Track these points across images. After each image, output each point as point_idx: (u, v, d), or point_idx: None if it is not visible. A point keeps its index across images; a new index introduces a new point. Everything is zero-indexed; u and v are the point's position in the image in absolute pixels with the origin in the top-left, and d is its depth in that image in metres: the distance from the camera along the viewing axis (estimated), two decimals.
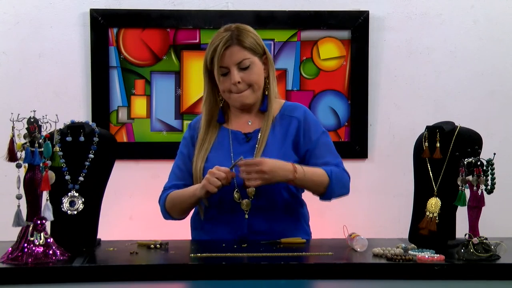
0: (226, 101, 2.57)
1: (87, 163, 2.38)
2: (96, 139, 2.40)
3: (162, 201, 2.56)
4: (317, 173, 2.45)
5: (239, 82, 2.47)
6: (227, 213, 2.49)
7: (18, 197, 2.10)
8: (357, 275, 2.08)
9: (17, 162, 2.10)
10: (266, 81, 2.55)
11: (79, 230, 2.34)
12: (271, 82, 2.56)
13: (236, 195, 2.48)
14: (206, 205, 2.53)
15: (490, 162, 2.19)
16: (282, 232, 2.44)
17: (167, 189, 2.58)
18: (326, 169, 2.47)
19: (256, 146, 2.51)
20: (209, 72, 2.53)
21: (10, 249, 2.11)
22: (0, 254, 2.13)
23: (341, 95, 3.61)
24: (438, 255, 2.14)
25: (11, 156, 2.10)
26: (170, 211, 2.55)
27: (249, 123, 2.57)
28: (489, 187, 2.19)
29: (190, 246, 2.38)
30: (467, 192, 2.19)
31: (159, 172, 3.49)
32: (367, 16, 3.58)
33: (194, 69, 3.57)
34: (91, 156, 2.39)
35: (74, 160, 2.38)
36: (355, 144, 3.61)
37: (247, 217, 2.48)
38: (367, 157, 3.63)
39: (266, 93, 2.56)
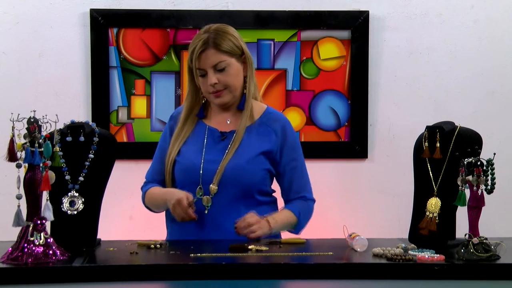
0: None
1: (87, 163, 2.38)
2: (96, 139, 2.40)
3: (142, 194, 2.69)
4: (288, 219, 2.58)
5: (216, 83, 2.51)
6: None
7: (18, 197, 2.09)
8: (357, 275, 2.08)
9: (17, 162, 2.10)
10: (245, 80, 2.59)
11: (79, 230, 2.34)
12: (248, 82, 2.59)
13: (198, 190, 2.53)
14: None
15: (490, 162, 2.19)
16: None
17: (147, 182, 2.70)
18: (294, 211, 2.58)
19: (229, 146, 2.54)
20: (191, 69, 2.58)
21: (10, 249, 2.11)
22: (0, 254, 2.13)
23: (341, 95, 3.61)
24: (438, 255, 2.14)
25: (11, 156, 2.10)
26: (149, 207, 2.68)
27: (228, 122, 2.60)
28: (489, 187, 2.19)
29: (190, 246, 2.38)
30: (467, 192, 2.19)
31: None
32: (367, 16, 3.58)
33: None
34: (91, 156, 2.39)
35: (74, 160, 2.38)
36: (355, 144, 3.61)
37: (206, 212, 2.52)
38: (367, 157, 3.63)
39: (245, 91, 2.59)
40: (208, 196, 2.52)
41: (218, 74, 2.51)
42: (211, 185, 2.51)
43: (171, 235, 2.64)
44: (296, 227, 2.60)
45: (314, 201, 2.65)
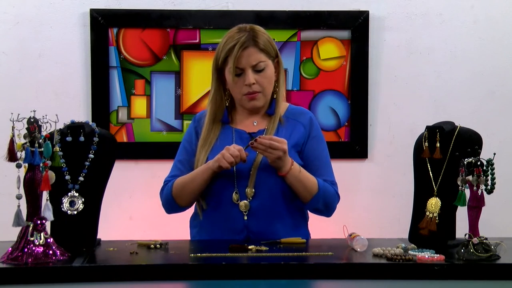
0: (231, 101, 2.58)
1: (87, 163, 2.38)
2: (96, 139, 2.40)
3: (168, 189, 2.54)
4: (310, 179, 2.48)
5: (253, 84, 2.47)
6: (226, 215, 2.49)
7: (18, 197, 2.09)
8: (357, 275, 2.08)
9: (17, 162, 2.10)
10: (275, 84, 2.56)
11: (79, 230, 2.34)
12: (280, 86, 2.57)
13: (234, 196, 2.48)
14: (204, 208, 2.54)
15: (490, 162, 2.19)
16: (281, 234, 2.43)
17: (168, 180, 2.57)
18: (320, 182, 2.49)
19: None
20: (218, 71, 2.54)
21: (10, 249, 2.11)
22: (0, 254, 2.13)
23: (341, 95, 3.61)
24: (438, 255, 2.14)
25: (11, 156, 2.10)
26: (178, 197, 2.52)
27: (255, 124, 2.57)
28: (489, 187, 2.19)
29: (190, 246, 2.38)
30: (467, 192, 2.19)
31: (158, 172, 3.50)
32: (367, 16, 3.58)
33: (194, 69, 3.57)
34: (91, 156, 2.39)
35: (74, 160, 2.38)
36: (355, 144, 3.61)
37: (246, 218, 2.47)
38: (367, 157, 3.63)
39: (275, 96, 2.57)
40: (245, 201, 2.47)
41: (256, 74, 2.48)
42: (247, 189, 2.46)
43: (201, 237, 2.57)
44: (312, 200, 2.48)
45: (339, 196, 2.56)
